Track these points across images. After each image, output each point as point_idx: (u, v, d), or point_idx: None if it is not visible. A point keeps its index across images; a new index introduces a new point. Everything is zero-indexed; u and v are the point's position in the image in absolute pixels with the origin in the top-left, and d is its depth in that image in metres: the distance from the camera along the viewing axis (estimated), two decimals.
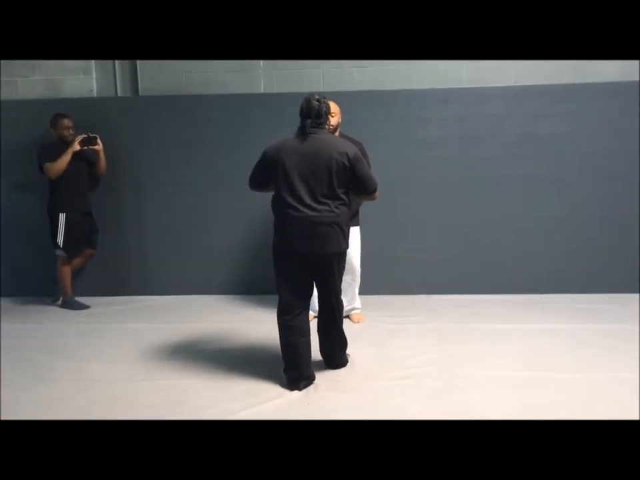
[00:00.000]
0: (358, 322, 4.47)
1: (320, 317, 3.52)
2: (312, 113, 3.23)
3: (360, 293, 4.57)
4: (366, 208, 4.25)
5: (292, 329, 3.30)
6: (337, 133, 4.10)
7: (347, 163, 3.19)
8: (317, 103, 3.24)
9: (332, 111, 3.95)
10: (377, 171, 3.64)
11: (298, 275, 3.30)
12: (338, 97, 4.27)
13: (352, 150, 3.24)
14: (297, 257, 3.25)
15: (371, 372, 3.47)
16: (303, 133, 3.25)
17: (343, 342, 3.54)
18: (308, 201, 3.18)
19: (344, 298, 3.68)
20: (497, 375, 3.37)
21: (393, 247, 5.17)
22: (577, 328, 4.22)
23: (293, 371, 3.30)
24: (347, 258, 4.12)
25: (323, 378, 3.38)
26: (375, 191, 3.34)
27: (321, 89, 5.11)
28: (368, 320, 4.51)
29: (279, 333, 3.35)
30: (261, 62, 5.26)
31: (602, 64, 4.99)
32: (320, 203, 3.19)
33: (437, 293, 5.18)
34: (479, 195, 5.12)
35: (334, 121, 4.01)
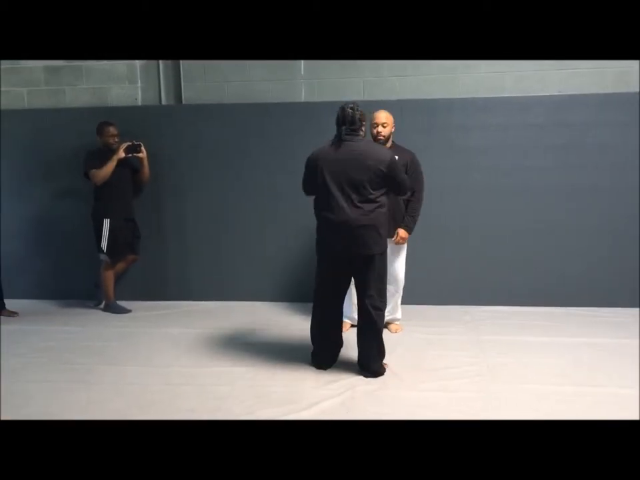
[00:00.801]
0: (395, 332, 4.43)
1: (359, 324, 3.59)
2: (346, 120, 3.38)
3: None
4: None
5: (324, 317, 3.58)
6: (389, 143, 4.12)
7: (383, 169, 3.33)
8: (350, 110, 3.39)
9: (384, 121, 4.01)
10: None
11: (335, 274, 3.52)
12: (378, 105, 4.26)
13: (387, 156, 3.38)
14: (336, 257, 3.46)
15: (407, 382, 3.45)
16: (338, 140, 3.40)
17: (380, 350, 3.55)
18: (345, 205, 3.35)
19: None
20: (536, 389, 3.32)
21: (431, 256, 5.11)
22: (618, 342, 4.11)
23: (318, 355, 3.65)
24: (392, 268, 4.15)
25: (359, 386, 3.37)
26: (407, 192, 3.65)
27: (362, 97, 5.13)
28: (405, 330, 4.48)
29: (312, 321, 3.65)
30: (302, 71, 5.30)
31: None
32: (356, 207, 3.35)
33: (475, 304, 5.11)
34: (519, 205, 5.03)
35: (386, 130, 4.06)
